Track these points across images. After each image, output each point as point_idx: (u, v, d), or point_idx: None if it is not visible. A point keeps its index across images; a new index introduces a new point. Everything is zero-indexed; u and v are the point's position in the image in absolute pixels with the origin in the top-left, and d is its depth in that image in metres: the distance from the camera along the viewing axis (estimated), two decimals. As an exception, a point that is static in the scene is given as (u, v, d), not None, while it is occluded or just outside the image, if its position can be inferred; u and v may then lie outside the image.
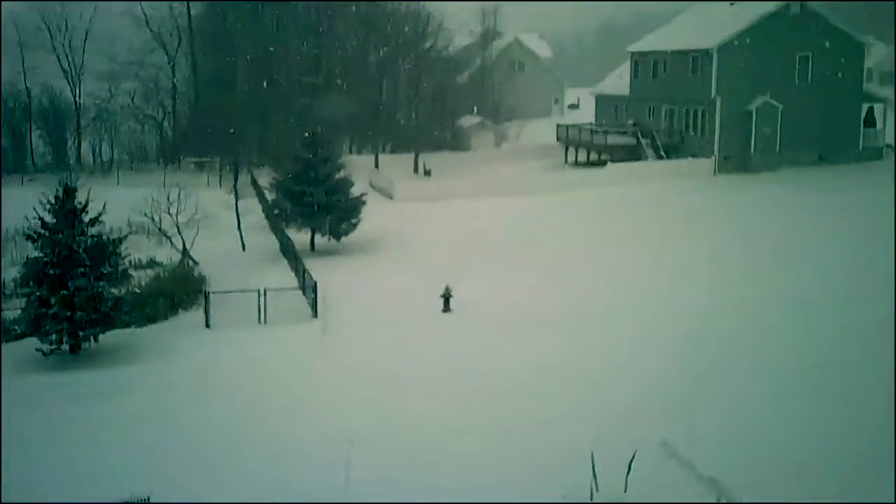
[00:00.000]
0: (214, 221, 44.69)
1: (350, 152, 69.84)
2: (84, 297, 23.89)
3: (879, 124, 58.17)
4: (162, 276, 36.21)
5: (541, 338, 25.84)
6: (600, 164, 57.65)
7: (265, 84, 65.23)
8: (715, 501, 15.03)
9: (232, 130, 59.24)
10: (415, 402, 20.93)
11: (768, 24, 55.24)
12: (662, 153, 57.55)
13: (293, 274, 34.71)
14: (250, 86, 65.57)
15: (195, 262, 39.00)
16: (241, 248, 41.45)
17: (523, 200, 49.33)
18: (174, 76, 68.07)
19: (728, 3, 61.14)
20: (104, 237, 25.42)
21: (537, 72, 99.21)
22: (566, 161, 64.40)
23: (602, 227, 42.98)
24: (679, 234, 40.42)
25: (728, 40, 54.83)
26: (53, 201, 24.91)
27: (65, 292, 23.78)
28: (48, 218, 24.94)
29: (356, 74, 69.11)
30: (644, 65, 63.08)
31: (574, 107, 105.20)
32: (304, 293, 30.29)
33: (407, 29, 75.46)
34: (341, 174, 39.92)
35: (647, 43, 65.07)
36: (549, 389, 21.61)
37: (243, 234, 42.12)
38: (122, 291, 26.32)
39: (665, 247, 37.56)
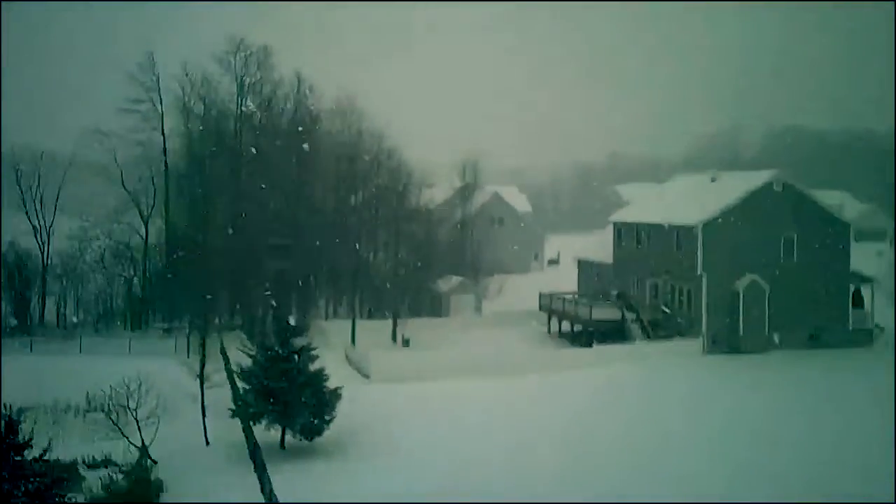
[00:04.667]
0: (178, 405, 42.22)
1: (326, 317, 67.99)
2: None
3: (867, 305, 57.10)
4: (115, 482, 33.19)
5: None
6: (586, 339, 55.86)
7: (240, 246, 63.63)
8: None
9: (206, 295, 57.48)
10: None
11: (752, 201, 54.87)
12: (648, 330, 55.91)
13: (258, 489, 31.90)
14: (224, 248, 63.90)
15: (153, 462, 36.06)
16: (204, 443, 38.54)
17: (508, 384, 47.10)
18: (147, 235, 66.35)
19: (710, 179, 61.17)
20: (46, 482, 22.58)
21: (517, 227, 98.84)
22: (549, 331, 62.66)
23: (596, 425, 40.59)
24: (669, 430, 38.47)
25: (713, 217, 54.22)
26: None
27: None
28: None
29: (333, 235, 67.78)
30: (627, 234, 62.30)
31: (554, 262, 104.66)
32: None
33: (386, 186, 75.08)
34: (315, 366, 37.56)
35: (631, 213, 64.57)
36: None
37: (207, 424, 39.30)
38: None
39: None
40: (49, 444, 24.32)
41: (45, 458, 23.07)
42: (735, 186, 56.70)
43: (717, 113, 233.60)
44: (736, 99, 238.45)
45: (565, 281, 77.39)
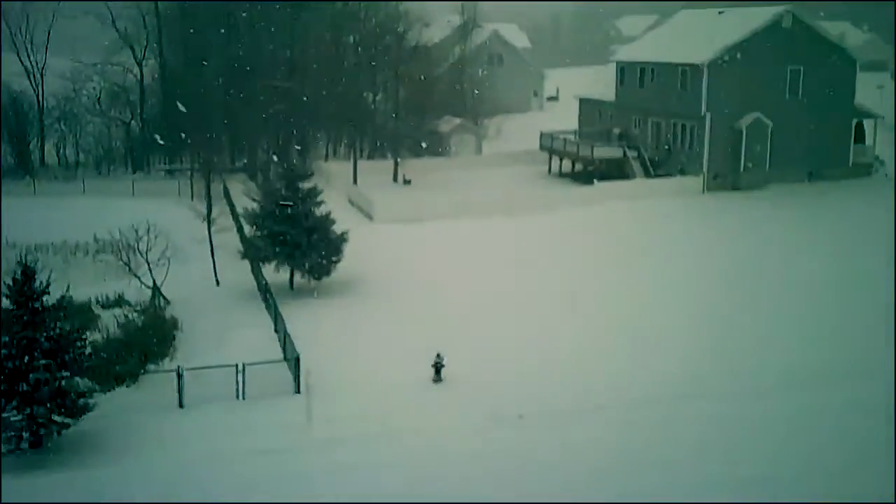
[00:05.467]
0: (187, 247, 42.79)
1: (326, 158, 67.81)
2: (46, 391, 21.87)
3: (869, 140, 57.01)
4: (130, 321, 34.06)
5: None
6: (586, 178, 56.02)
7: (238, 88, 62.64)
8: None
9: (209, 134, 56.83)
10: None
11: (760, 37, 53.76)
12: (650, 167, 56.00)
13: (272, 326, 32.83)
14: (222, 89, 62.94)
15: (166, 301, 36.91)
16: (215, 283, 39.34)
17: (510, 223, 47.65)
18: (142, 77, 65.15)
19: (717, 11, 59.70)
20: (67, 328, 23.09)
21: (516, 64, 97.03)
22: (550, 170, 62.72)
23: (596, 254, 41.61)
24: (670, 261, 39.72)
25: (719, 55, 53.23)
26: (11, 284, 22.66)
27: (25, 386, 21.76)
28: (6, 303, 22.76)
29: (332, 76, 66.69)
30: (631, 73, 61.27)
31: (553, 99, 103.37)
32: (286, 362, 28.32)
33: (382, 25, 73.21)
34: (321, 210, 37.84)
35: (634, 52, 63.37)
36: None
37: (216, 264, 39.94)
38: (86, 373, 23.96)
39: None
40: (67, 288, 24.64)
41: (63, 304, 23.49)
42: (742, 22, 55.35)
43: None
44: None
45: (565, 119, 76.71)
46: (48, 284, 22.78)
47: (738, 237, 44.23)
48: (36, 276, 22.66)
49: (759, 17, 55.21)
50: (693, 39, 57.21)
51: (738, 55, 53.38)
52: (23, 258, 24.64)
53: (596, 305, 34.70)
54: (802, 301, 34.52)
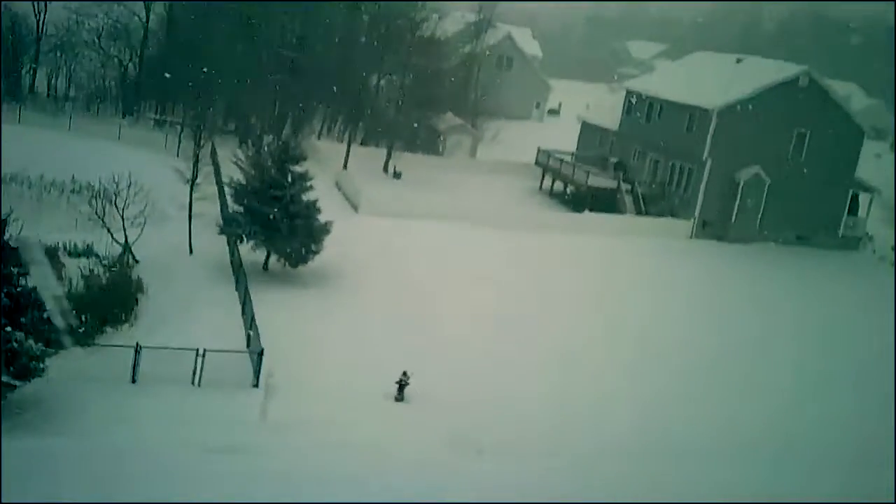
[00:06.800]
0: (165, 208, 41.67)
1: (319, 136, 66.64)
2: (-1, 351, 20.89)
3: (862, 213, 56.89)
4: (95, 275, 32.97)
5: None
6: (576, 204, 55.49)
7: (242, 49, 61.36)
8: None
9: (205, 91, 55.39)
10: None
11: (774, 92, 53.30)
12: (641, 203, 55.51)
13: (239, 309, 31.93)
14: (226, 47, 61.54)
15: (135, 261, 35.86)
16: (188, 251, 38.27)
17: (494, 236, 46.89)
18: (147, 19, 63.54)
19: (735, 58, 59.29)
20: (28, 288, 22.09)
21: (524, 72, 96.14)
22: (541, 187, 62.06)
23: (573, 286, 41.07)
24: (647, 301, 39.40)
25: (731, 104, 52.76)
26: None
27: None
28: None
29: (341, 53, 65.52)
30: (639, 104, 60.65)
31: (554, 112, 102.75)
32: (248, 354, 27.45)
33: (397, 9, 72.16)
34: (309, 196, 36.89)
35: (646, 84, 62.66)
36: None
37: (193, 232, 38.86)
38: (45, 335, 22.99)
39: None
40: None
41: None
42: (759, 73, 54.96)
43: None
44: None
45: (563, 136, 76.16)
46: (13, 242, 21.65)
47: (713, 290, 43.83)
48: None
49: (777, 71, 54.84)
50: (707, 83, 56.66)
51: (750, 107, 52.91)
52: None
53: (557, 339, 34.30)
54: (737, 368, 34.29)
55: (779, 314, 41.29)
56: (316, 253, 36.44)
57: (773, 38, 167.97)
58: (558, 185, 61.12)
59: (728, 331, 38.24)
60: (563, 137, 73.93)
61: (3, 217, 23.66)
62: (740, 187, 52.82)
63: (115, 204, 35.97)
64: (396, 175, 59.44)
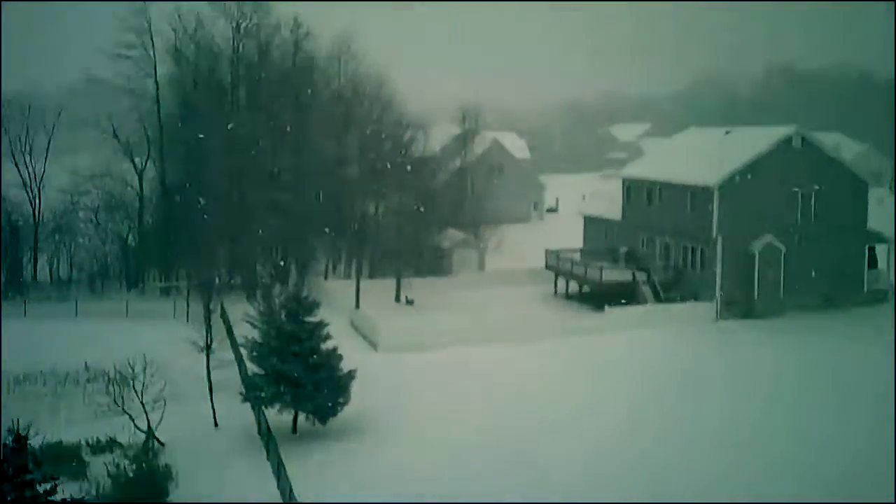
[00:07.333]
0: (183, 382, 40.61)
1: (326, 276, 66.25)
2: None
3: (882, 264, 55.89)
4: (121, 471, 31.74)
5: None
6: (595, 302, 54.56)
7: (237, 200, 61.69)
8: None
9: (205, 258, 55.48)
10: None
11: (770, 158, 53.25)
12: (660, 291, 54.57)
13: (274, 483, 30.62)
14: (222, 202, 61.82)
15: (161, 444, 34.73)
16: (213, 425, 37.11)
17: (520, 353, 45.80)
18: (142, 189, 64.08)
19: (724, 131, 59.26)
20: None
21: (517, 174, 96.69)
22: (555, 292, 61.22)
23: (605, 393, 39.63)
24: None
25: (729, 177, 52.54)
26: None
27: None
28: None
29: (334, 186, 65.74)
30: (637, 190, 60.46)
31: (552, 210, 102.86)
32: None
33: (386, 134, 73.03)
34: (328, 345, 36.01)
35: (641, 169, 62.68)
36: None
37: (215, 402, 37.76)
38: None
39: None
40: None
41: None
42: (751, 142, 54.86)
43: (712, 53, 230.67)
44: (731, 37, 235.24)
45: (566, 232, 75.82)
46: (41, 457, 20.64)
47: (750, 380, 41.94)
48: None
49: (768, 137, 54.74)
50: (702, 159, 56.43)
51: (749, 176, 52.70)
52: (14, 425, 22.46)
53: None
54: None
55: (837, 390, 39.54)
56: (344, 404, 35.30)
57: (753, 100, 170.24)
58: (573, 285, 60.32)
59: (797, 416, 36.51)
60: (566, 233, 73.66)
61: (16, 427, 22.56)
62: (756, 259, 52.00)
63: (134, 388, 35.04)
64: (409, 302, 58.74)
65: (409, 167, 69.93)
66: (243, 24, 66.47)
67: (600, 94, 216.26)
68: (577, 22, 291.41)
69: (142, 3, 62.71)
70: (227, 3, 65.10)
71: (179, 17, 64.63)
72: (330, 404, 34.98)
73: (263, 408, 35.57)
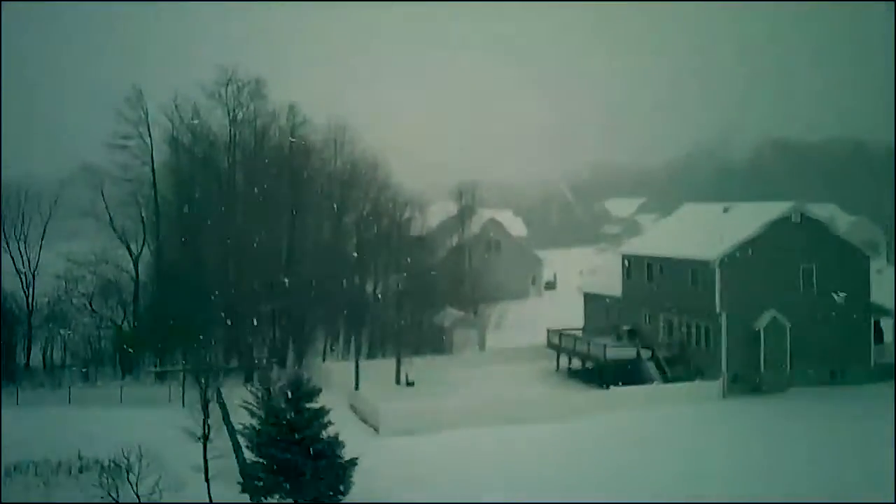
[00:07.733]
0: (180, 472, 39.41)
1: (324, 357, 65.34)
2: None
3: (888, 338, 55.26)
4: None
5: None
6: (598, 379, 53.71)
7: (233, 284, 61.24)
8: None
9: (200, 344, 54.81)
10: None
11: (770, 233, 53.02)
12: (665, 368, 53.77)
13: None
14: (217, 286, 61.33)
15: (157, 546, 33.47)
16: (211, 521, 35.88)
17: (524, 434, 44.68)
18: (137, 275, 63.56)
19: (722, 208, 59.26)
20: None
21: (514, 251, 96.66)
22: (557, 368, 60.41)
23: (620, 480, 38.38)
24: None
25: (729, 252, 52.28)
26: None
27: None
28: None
29: (331, 268, 65.38)
30: (637, 267, 60.12)
31: (551, 286, 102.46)
32: None
33: (382, 215, 73.30)
34: (329, 432, 35.06)
35: (641, 246, 62.61)
36: None
37: (212, 490, 36.60)
38: None
39: None
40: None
41: None
42: (750, 218, 54.76)
43: (705, 124, 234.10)
44: (723, 108, 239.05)
45: (565, 307, 75.28)
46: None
47: (758, 463, 40.76)
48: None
49: (767, 213, 54.63)
50: (700, 235, 56.35)
51: (750, 251, 52.47)
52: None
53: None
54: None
55: (842, 468, 38.56)
56: (345, 493, 34.21)
57: (747, 173, 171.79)
58: (575, 362, 59.52)
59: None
60: (565, 309, 73.10)
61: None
62: (761, 335, 51.37)
63: (128, 479, 33.91)
64: (410, 384, 57.78)
65: (406, 246, 70.02)
66: (240, 113, 67.09)
67: (597, 166, 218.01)
68: (575, 93, 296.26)
69: (138, 93, 63.26)
70: (224, 92, 65.68)
71: (177, 107, 65.25)
72: (331, 493, 33.92)
73: (263, 498, 34.42)
